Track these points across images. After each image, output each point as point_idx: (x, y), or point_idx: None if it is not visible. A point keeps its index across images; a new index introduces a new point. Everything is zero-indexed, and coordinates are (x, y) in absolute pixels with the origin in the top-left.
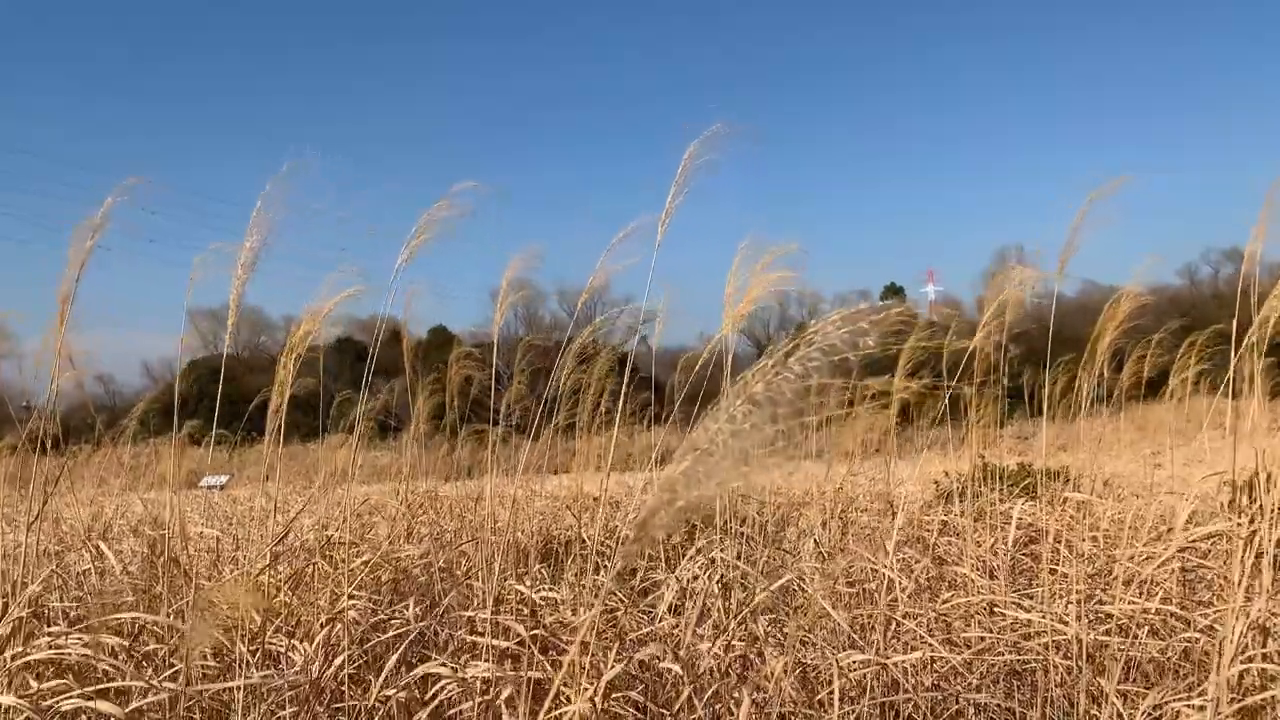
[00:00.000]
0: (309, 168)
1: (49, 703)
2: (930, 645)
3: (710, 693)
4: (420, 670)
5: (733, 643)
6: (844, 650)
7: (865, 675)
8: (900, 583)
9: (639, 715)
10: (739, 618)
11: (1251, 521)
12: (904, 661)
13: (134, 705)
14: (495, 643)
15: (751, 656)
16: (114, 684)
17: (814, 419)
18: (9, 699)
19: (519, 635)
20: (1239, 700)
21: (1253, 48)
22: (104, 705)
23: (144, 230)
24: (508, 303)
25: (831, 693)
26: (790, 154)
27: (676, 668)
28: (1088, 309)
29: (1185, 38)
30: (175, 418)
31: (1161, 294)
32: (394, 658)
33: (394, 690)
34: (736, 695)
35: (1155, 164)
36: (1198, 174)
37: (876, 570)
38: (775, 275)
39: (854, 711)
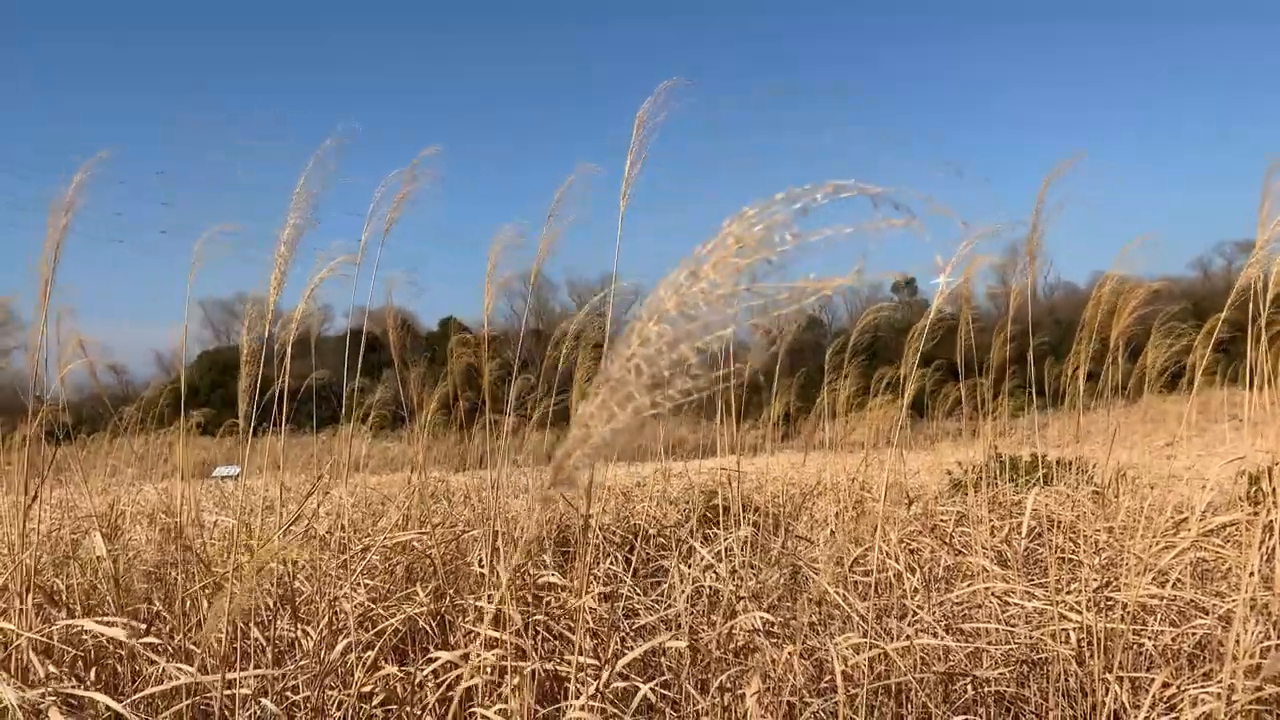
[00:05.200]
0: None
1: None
2: (942, 634)
3: (719, 679)
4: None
5: (741, 629)
6: (853, 635)
7: (871, 661)
8: (913, 566)
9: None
10: (746, 604)
11: (1268, 512)
12: (910, 648)
13: (150, 691)
14: (495, 634)
15: (760, 642)
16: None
17: (730, 331)
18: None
19: (518, 622)
20: (1257, 690)
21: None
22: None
23: (157, 222)
24: (496, 286)
25: (843, 676)
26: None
27: (682, 644)
28: (1098, 300)
29: (1199, 31)
30: (183, 408)
31: (1175, 285)
32: (380, 644)
33: (386, 679)
34: (745, 678)
35: (1170, 157)
36: (1213, 166)
37: (890, 558)
38: (841, 281)
39: (860, 695)
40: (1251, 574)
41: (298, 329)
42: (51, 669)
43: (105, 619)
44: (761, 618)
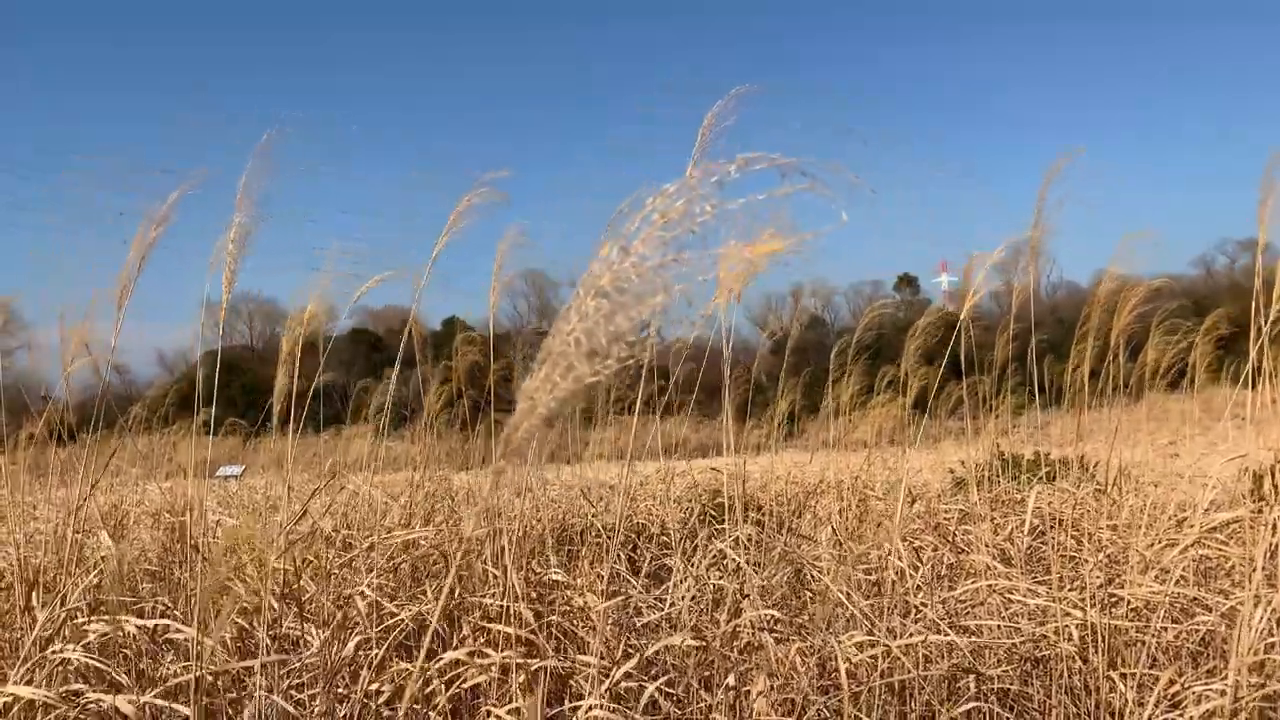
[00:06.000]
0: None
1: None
2: (946, 631)
3: (726, 678)
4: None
5: (745, 627)
6: (858, 634)
7: (875, 658)
8: (915, 565)
9: (653, 702)
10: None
11: (1271, 509)
12: (916, 646)
13: (158, 690)
14: (509, 630)
15: (765, 640)
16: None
17: (660, 300)
18: (29, 691)
19: (531, 622)
20: (1261, 686)
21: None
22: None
23: (170, 225)
24: (500, 285)
25: (847, 674)
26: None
27: (690, 640)
28: (1098, 298)
29: (1199, 31)
30: (197, 406)
31: (1177, 283)
32: (389, 642)
33: (396, 677)
34: (751, 676)
35: (1170, 156)
36: (1214, 165)
37: (892, 557)
38: (765, 247)
39: (865, 692)
40: (1255, 570)
41: (308, 330)
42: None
43: (110, 619)
44: (767, 615)
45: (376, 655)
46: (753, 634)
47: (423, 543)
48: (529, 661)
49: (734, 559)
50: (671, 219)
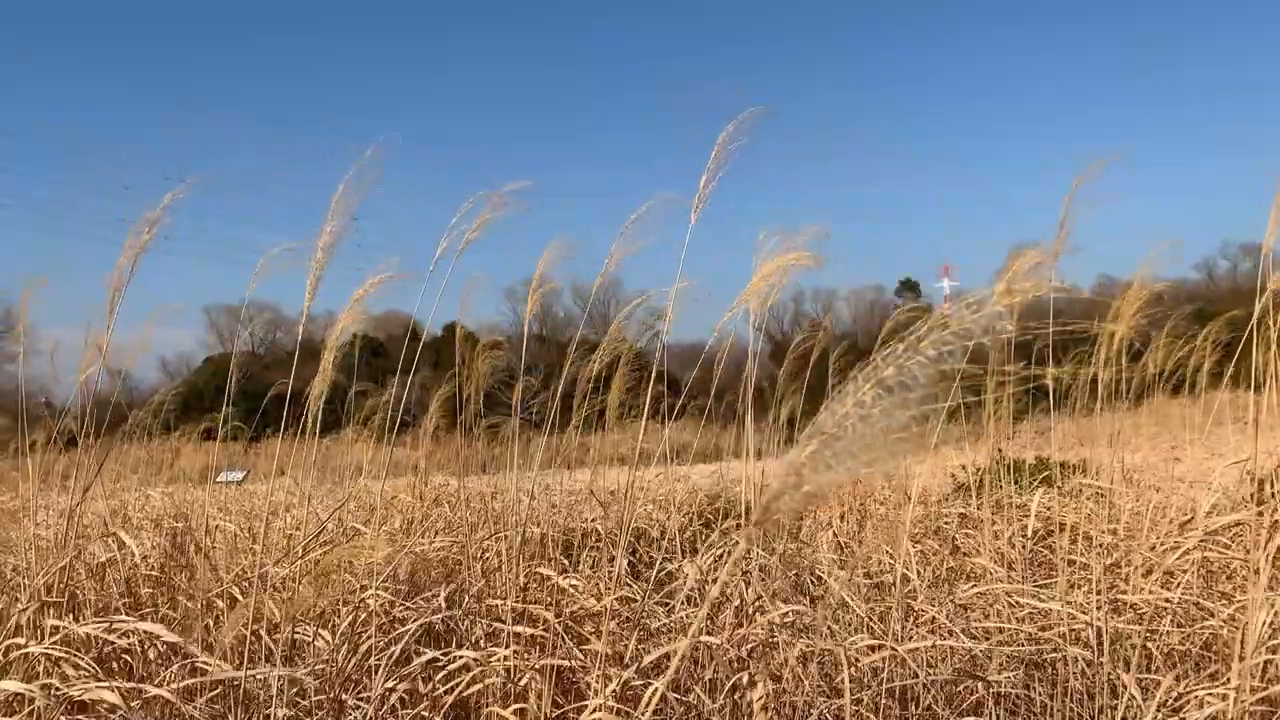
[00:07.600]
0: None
1: (62, 690)
2: (958, 635)
3: (729, 682)
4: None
5: (752, 631)
6: (862, 638)
7: (880, 663)
8: (919, 571)
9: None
10: (756, 605)
11: (1273, 511)
12: (918, 650)
13: (154, 693)
14: (520, 629)
15: (769, 645)
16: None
17: (947, 404)
18: (16, 685)
19: (544, 621)
20: (1262, 689)
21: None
22: (108, 695)
23: (161, 227)
24: (538, 295)
25: (850, 679)
26: (798, 146)
27: (714, 640)
28: (1105, 304)
29: (1200, 32)
30: (226, 406)
31: (1179, 288)
32: (403, 643)
33: (407, 679)
34: (755, 679)
35: (1183, 155)
36: (1222, 164)
37: (894, 561)
38: (794, 256)
39: (867, 697)
40: (1258, 573)
41: (305, 335)
42: (70, 671)
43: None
44: (772, 620)
45: (394, 652)
46: (769, 634)
47: (417, 551)
48: (538, 661)
49: (759, 556)
50: (966, 328)
